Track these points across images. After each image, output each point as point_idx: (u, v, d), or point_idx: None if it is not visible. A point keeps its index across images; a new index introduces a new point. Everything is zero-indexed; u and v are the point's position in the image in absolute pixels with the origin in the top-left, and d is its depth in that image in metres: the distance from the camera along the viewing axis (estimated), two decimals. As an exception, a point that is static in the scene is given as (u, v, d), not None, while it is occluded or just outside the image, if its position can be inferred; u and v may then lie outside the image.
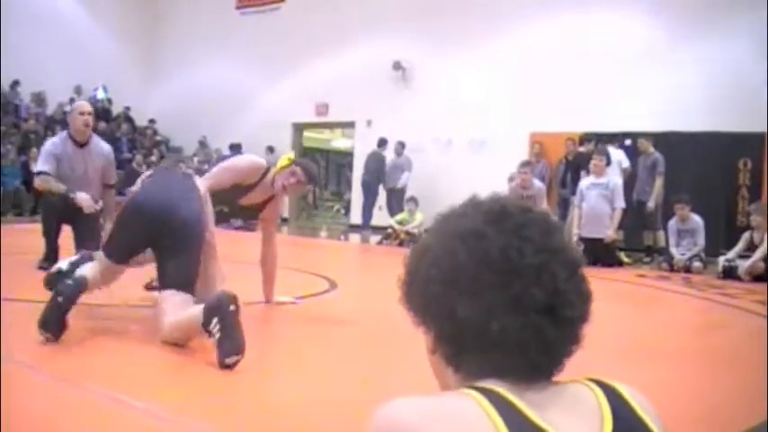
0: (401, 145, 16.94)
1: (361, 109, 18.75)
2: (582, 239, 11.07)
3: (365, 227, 16.61)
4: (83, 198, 7.02)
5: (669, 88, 14.12)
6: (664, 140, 12.88)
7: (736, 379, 4.13)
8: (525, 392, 1.03)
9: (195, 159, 20.81)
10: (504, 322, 1.05)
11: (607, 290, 8.82)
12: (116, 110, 22.08)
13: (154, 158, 20.00)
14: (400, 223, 14.30)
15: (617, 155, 12.45)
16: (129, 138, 21.13)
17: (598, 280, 9.32)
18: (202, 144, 21.51)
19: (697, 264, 10.67)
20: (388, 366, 4.16)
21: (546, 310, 1.05)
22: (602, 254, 10.90)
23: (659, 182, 12.15)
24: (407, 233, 13.82)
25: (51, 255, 7.15)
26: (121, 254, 4.54)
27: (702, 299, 8.10)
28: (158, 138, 22.14)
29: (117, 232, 4.59)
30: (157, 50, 23.73)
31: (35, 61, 19.76)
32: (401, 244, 13.53)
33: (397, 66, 18.15)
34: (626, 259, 11.41)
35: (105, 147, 7.71)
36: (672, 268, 10.76)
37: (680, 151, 12.41)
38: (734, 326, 6.51)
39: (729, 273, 10.06)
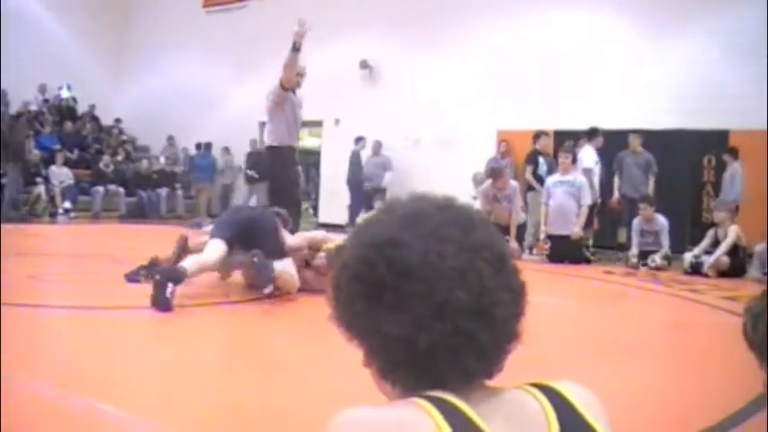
0: (379, 144, 16.93)
1: (329, 108, 18.66)
2: (549, 236, 11.15)
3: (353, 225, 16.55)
4: None
5: (635, 85, 14.23)
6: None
7: (705, 375, 4.15)
8: (469, 401, 0.98)
9: (162, 158, 20.65)
10: (432, 333, 1.00)
11: (574, 287, 8.89)
12: (81, 109, 21.86)
13: (120, 158, 19.83)
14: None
15: (588, 152, 12.45)
16: (95, 137, 20.92)
17: (565, 277, 9.49)
18: (170, 142, 21.35)
19: (659, 261, 10.63)
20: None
21: (475, 313, 1.01)
22: (569, 251, 10.95)
23: (652, 181, 12.20)
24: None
25: None
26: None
27: (669, 295, 8.14)
28: (124, 137, 21.93)
29: None
30: (123, 49, 23.50)
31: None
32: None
33: (364, 64, 18.13)
34: (591, 257, 11.43)
35: None
36: (631, 267, 10.71)
37: (646, 148, 12.45)
38: (701, 322, 6.54)
39: (695, 269, 10.12)
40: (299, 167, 9.13)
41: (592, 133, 12.76)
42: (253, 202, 17.99)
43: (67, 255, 9.34)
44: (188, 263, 5.70)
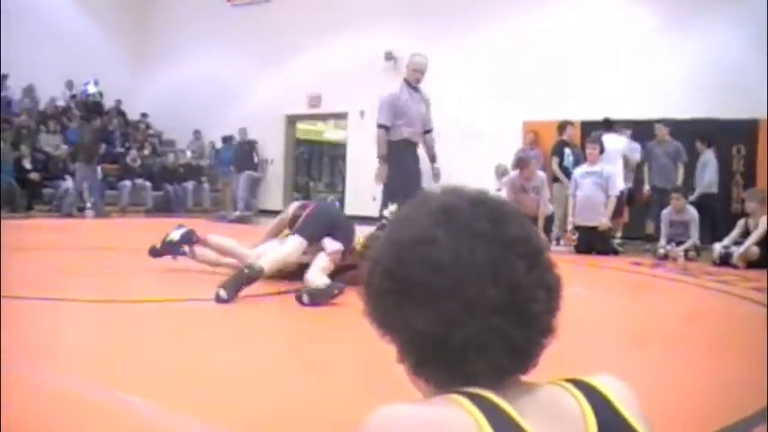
0: None
1: (354, 100, 18.67)
2: (577, 227, 11.10)
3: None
4: None
5: (663, 74, 14.13)
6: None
7: (735, 366, 4.11)
8: (506, 397, 0.98)
9: (188, 152, 20.75)
10: (463, 330, 1.00)
11: (601, 278, 8.85)
12: (107, 104, 21.98)
13: (146, 152, 19.95)
14: (393, 214, 14.22)
15: (619, 142, 12.37)
16: (122, 132, 21.06)
17: (592, 268, 9.43)
18: (196, 136, 21.46)
19: (690, 254, 10.58)
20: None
21: (507, 310, 1.00)
22: (596, 242, 10.90)
23: (682, 169, 12.08)
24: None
25: None
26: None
27: (698, 286, 8.04)
28: (151, 131, 22.07)
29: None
30: (149, 44, 23.58)
31: (25, 56, 19.62)
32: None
33: (389, 56, 18.10)
34: (619, 248, 11.35)
35: None
36: (659, 257, 10.64)
37: (674, 138, 12.35)
38: (731, 313, 6.47)
39: (725, 260, 10.02)
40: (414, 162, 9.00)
41: (607, 124, 12.70)
42: (240, 191, 18.21)
43: (98, 249, 9.39)
44: (267, 261, 5.68)
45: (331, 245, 5.98)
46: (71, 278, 6.59)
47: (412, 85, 8.85)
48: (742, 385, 3.64)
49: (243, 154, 19.16)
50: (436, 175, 8.94)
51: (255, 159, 19.91)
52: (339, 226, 6.23)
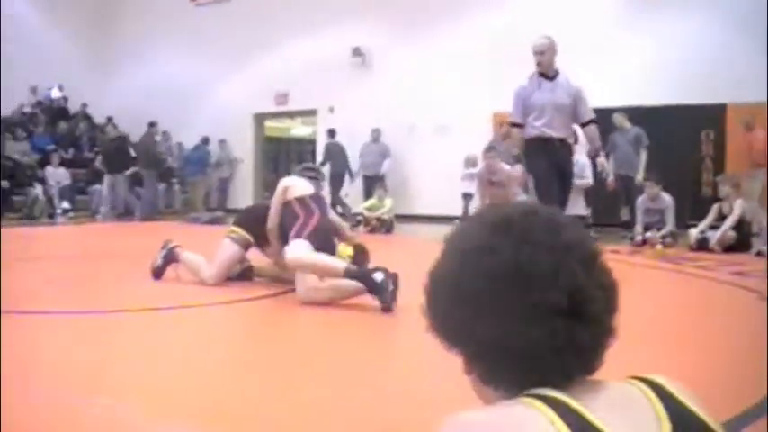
0: (378, 132, 16.94)
1: (323, 96, 18.70)
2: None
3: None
4: None
5: (631, 63, 14.27)
6: (627, 115, 12.92)
7: (732, 355, 4.15)
8: (580, 398, 1.00)
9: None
10: (529, 336, 1.03)
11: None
12: (73, 108, 21.79)
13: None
14: (370, 209, 14.25)
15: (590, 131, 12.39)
16: (90, 136, 20.88)
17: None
18: (164, 137, 21.30)
19: (667, 240, 10.69)
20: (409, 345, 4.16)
21: (570, 313, 1.03)
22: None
23: (644, 155, 12.16)
24: (378, 219, 13.81)
25: None
26: None
27: (678, 272, 8.12)
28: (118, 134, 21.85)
29: None
30: (112, 47, 23.34)
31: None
32: (372, 231, 13.50)
33: (357, 52, 18.13)
34: (594, 235, 11.42)
35: None
36: (636, 244, 10.73)
37: (644, 125, 12.45)
38: (716, 300, 6.49)
39: (701, 245, 10.17)
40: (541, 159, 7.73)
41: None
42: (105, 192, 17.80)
43: (77, 256, 9.30)
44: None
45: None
46: (59, 289, 6.51)
47: (545, 74, 7.65)
48: (742, 375, 3.65)
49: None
50: (600, 172, 8.03)
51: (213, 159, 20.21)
52: (330, 243, 5.92)
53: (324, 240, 5.69)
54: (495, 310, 1.05)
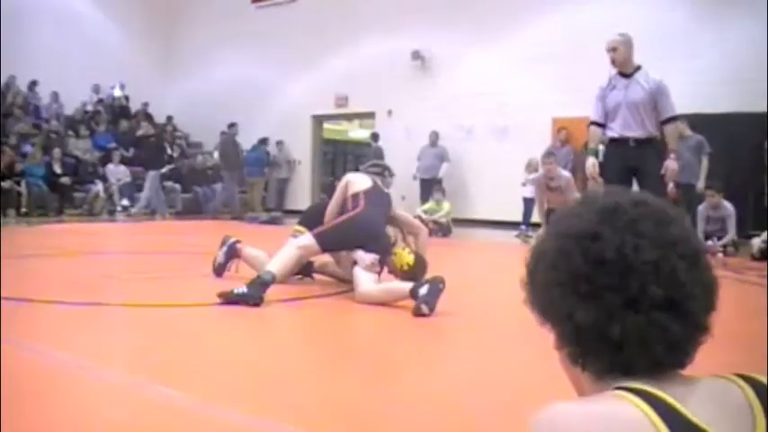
0: (435, 135, 16.91)
1: (381, 99, 18.73)
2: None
3: None
4: None
5: (692, 70, 14.01)
6: (689, 123, 12.72)
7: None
8: (673, 392, 1.01)
9: (216, 153, 20.78)
10: (624, 323, 1.04)
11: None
12: (134, 107, 22.12)
13: (174, 154, 20.02)
14: (427, 213, 14.20)
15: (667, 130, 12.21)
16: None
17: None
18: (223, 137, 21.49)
19: (729, 249, 10.49)
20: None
21: (667, 306, 1.04)
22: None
23: (705, 162, 11.95)
24: (435, 222, 13.74)
25: None
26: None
27: (742, 281, 7.95)
28: (178, 133, 22.15)
29: None
30: (174, 47, 23.72)
31: (53, 62, 19.76)
32: (429, 234, 13.41)
33: (416, 55, 18.11)
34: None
35: None
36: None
37: (705, 133, 12.24)
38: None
39: (765, 254, 9.95)
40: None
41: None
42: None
43: (136, 252, 9.43)
44: (275, 266, 5.58)
45: (364, 258, 5.72)
46: (119, 283, 6.59)
47: (623, 72, 7.22)
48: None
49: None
50: (670, 175, 7.17)
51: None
52: (372, 239, 5.84)
53: (355, 232, 5.84)
54: (594, 295, 1.06)
